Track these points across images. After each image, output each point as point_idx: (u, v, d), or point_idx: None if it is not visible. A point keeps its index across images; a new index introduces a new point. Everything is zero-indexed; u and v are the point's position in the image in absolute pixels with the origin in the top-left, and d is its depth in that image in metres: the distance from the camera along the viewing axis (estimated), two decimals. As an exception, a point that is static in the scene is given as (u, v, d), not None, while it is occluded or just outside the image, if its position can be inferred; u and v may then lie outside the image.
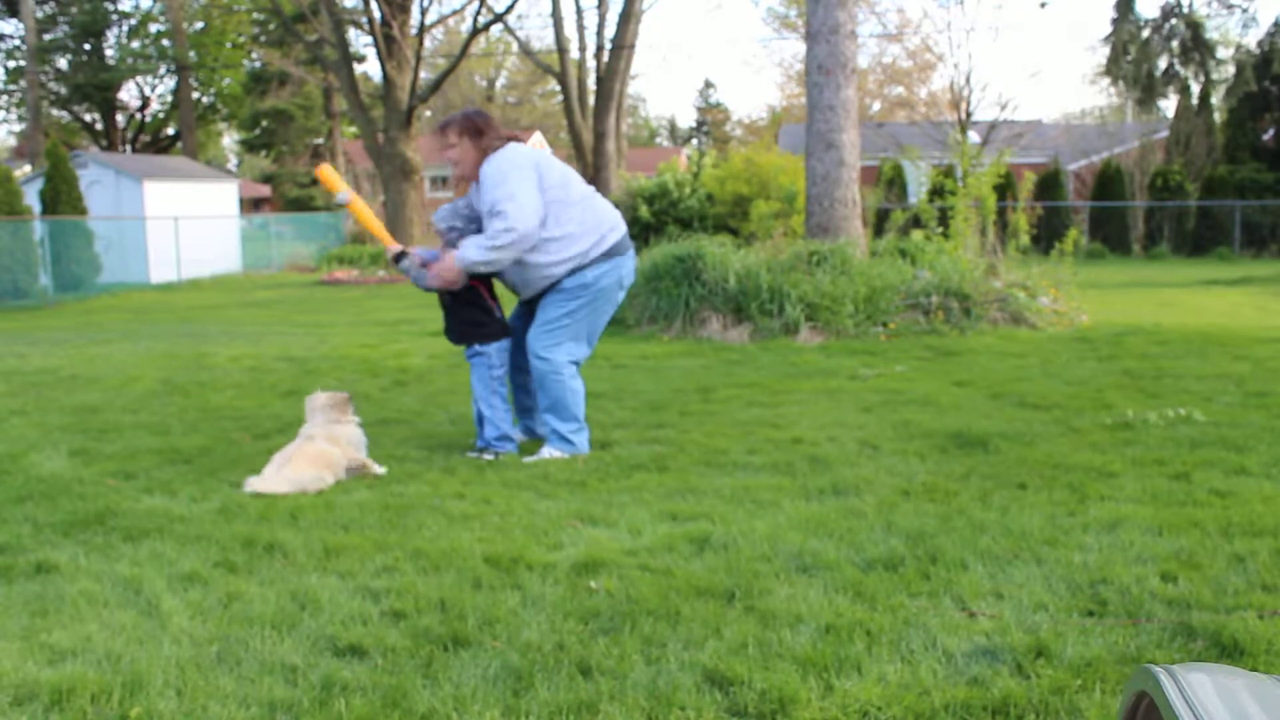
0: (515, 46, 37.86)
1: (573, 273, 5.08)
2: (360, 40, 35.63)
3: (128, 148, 37.82)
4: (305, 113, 36.89)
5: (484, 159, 5.00)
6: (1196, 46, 26.76)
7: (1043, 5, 46.59)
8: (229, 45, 37.93)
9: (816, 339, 9.22)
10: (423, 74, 23.50)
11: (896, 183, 24.78)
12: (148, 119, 39.69)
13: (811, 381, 7.08)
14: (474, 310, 5.16)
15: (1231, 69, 26.45)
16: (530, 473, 4.70)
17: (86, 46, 35.25)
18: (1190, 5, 27.07)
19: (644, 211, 23.03)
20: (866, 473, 4.57)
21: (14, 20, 33.89)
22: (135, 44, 36.31)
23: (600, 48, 33.86)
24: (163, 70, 36.86)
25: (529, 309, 5.34)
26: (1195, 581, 3.19)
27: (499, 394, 5.15)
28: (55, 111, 37.06)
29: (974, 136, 26.46)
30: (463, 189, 5.30)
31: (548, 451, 5.09)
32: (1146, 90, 27.12)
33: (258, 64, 37.39)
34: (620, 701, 2.49)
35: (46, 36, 33.76)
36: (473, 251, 4.92)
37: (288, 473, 4.50)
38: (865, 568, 3.38)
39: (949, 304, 9.86)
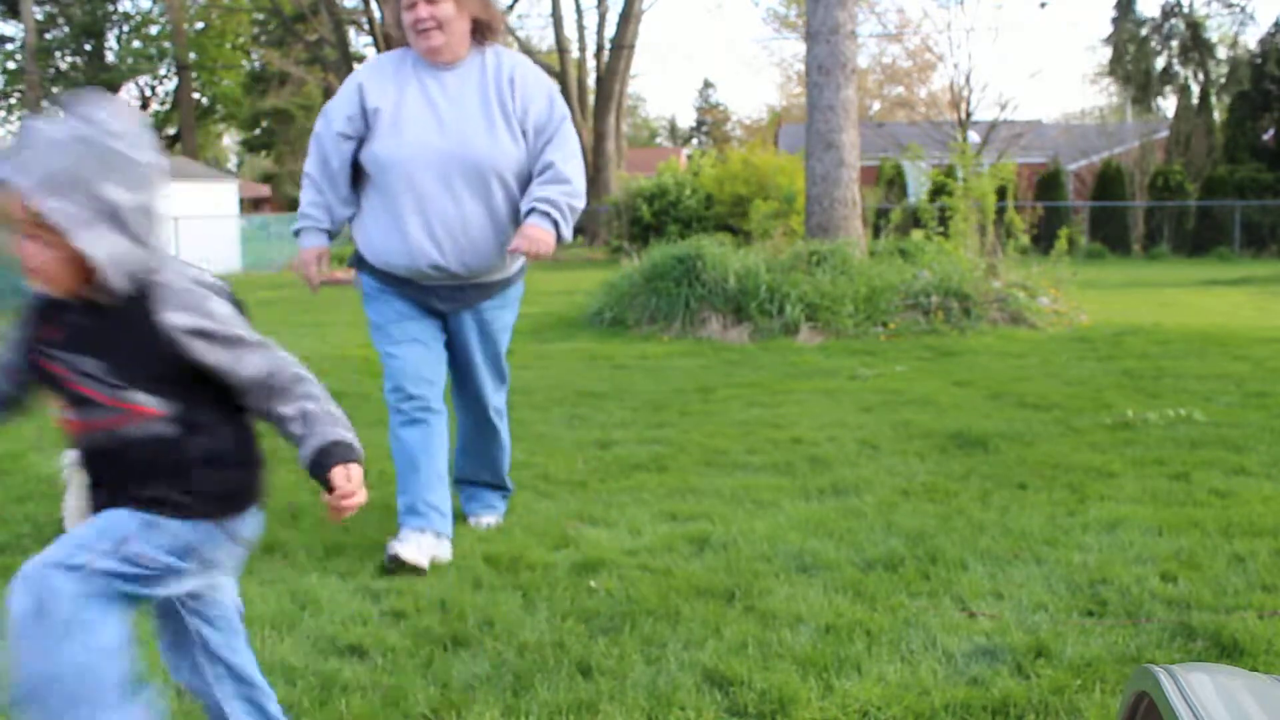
0: (515, 46, 37.90)
1: (521, 275, 3.84)
2: (360, 40, 35.61)
3: (128, 148, 37.75)
4: (305, 113, 36.89)
5: (479, 44, 3.53)
6: (1196, 46, 26.78)
7: (1042, 5, 46.62)
8: (229, 46, 37.93)
9: (816, 339, 9.22)
10: (423, 74, 23.51)
11: (896, 183, 24.80)
12: (148, 119, 39.71)
13: (811, 381, 7.08)
14: None
15: (1229, 69, 26.46)
16: (530, 472, 4.69)
17: (87, 47, 35.24)
18: (1190, 5, 27.07)
19: (644, 211, 23.04)
20: (866, 473, 4.57)
21: (14, 22, 33.88)
22: (135, 44, 36.29)
23: (600, 48, 33.88)
24: (163, 70, 36.86)
25: (424, 341, 3.62)
26: (1195, 581, 3.19)
27: None
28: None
29: (974, 136, 26.47)
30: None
31: (495, 519, 3.97)
32: (1146, 90, 27.13)
33: (258, 64, 37.39)
34: (620, 701, 2.49)
35: (47, 36, 33.76)
36: (565, 217, 3.48)
37: None
38: (865, 568, 3.37)
39: (949, 304, 9.86)
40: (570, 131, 3.55)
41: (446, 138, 3.40)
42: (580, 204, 3.53)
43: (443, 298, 3.58)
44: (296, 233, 3.65)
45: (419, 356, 3.58)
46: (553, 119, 3.51)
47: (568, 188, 3.48)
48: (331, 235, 3.63)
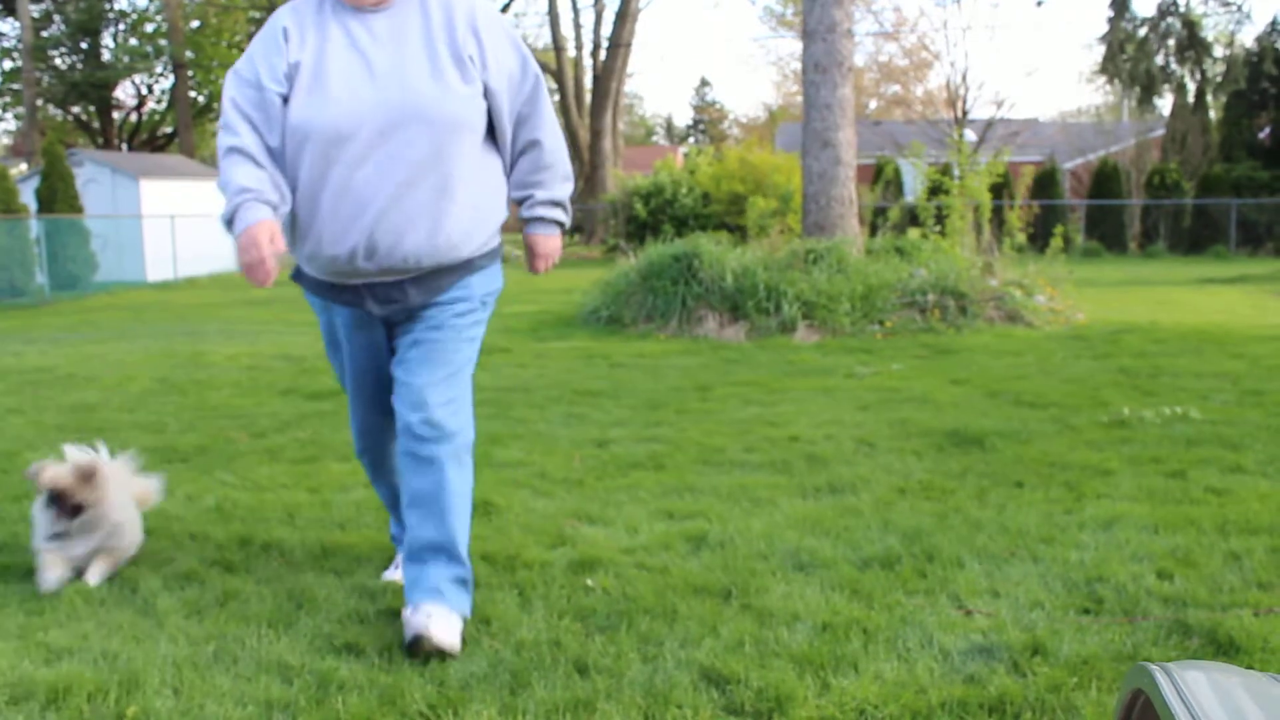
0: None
1: (490, 262, 3.00)
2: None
3: (124, 146, 37.75)
4: (302, 111, 36.77)
5: None
6: (1192, 45, 26.79)
7: (1039, 3, 46.68)
8: (225, 44, 37.85)
9: (813, 337, 9.23)
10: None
11: (893, 181, 24.81)
12: (144, 117, 39.62)
13: (808, 380, 7.08)
14: None
15: (1225, 67, 26.50)
16: (527, 471, 4.69)
17: (83, 45, 35.16)
18: (1186, 3, 27.09)
19: (640, 210, 23.03)
20: (863, 471, 4.57)
21: (10, 19, 33.80)
22: (132, 42, 36.22)
23: (597, 46, 33.89)
24: (159, 69, 36.77)
25: (370, 345, 3.03)
26: (1191, 579, 3.19)
27: None
28: (51, 109, 36.98)
29: (970, 135, 26.50)
30: None
31: (447, 628, 2.75)
32: (1143, 89, 27.15)
33: (254, 62, 37.24)
34: (617, 700, 2.49)
35: (43, 34, 33.68)
36: (568, 210, 3.10)
37: None
38: (862, 566, 3.38)
39: (945, 302, 9.86)
40: (546, 93, 2.99)
41: (381, 89, 2.71)
42: (572, 183, 3.11)
43: (378, 298, 2.87)
44: (229, 220, 2.77)
45: (379, 420, 3.12)
46: (527, 76, 2.91)
47: (558, 171, 3.02)
48: (278, 210, 2.77)
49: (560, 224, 3.08)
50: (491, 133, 2.90)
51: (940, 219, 12.60)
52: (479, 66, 2.80)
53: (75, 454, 3.52)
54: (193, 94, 37.40)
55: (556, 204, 3.04)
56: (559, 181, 3.02)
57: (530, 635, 2.86)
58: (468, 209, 2.82)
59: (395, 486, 3.25)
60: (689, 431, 5.46)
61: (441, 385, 2.86)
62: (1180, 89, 27.10)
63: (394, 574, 3.33)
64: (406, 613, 2.79)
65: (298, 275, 3.05)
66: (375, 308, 2.90)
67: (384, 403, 3.05)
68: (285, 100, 2.75)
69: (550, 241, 3.08)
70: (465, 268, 2.90)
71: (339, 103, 2.70)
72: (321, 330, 3.16)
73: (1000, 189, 16.25)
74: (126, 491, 3.57)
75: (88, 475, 3.34)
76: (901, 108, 35.23)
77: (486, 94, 2.82)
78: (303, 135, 2.73)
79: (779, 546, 3.56)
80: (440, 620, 2.73)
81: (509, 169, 2.99)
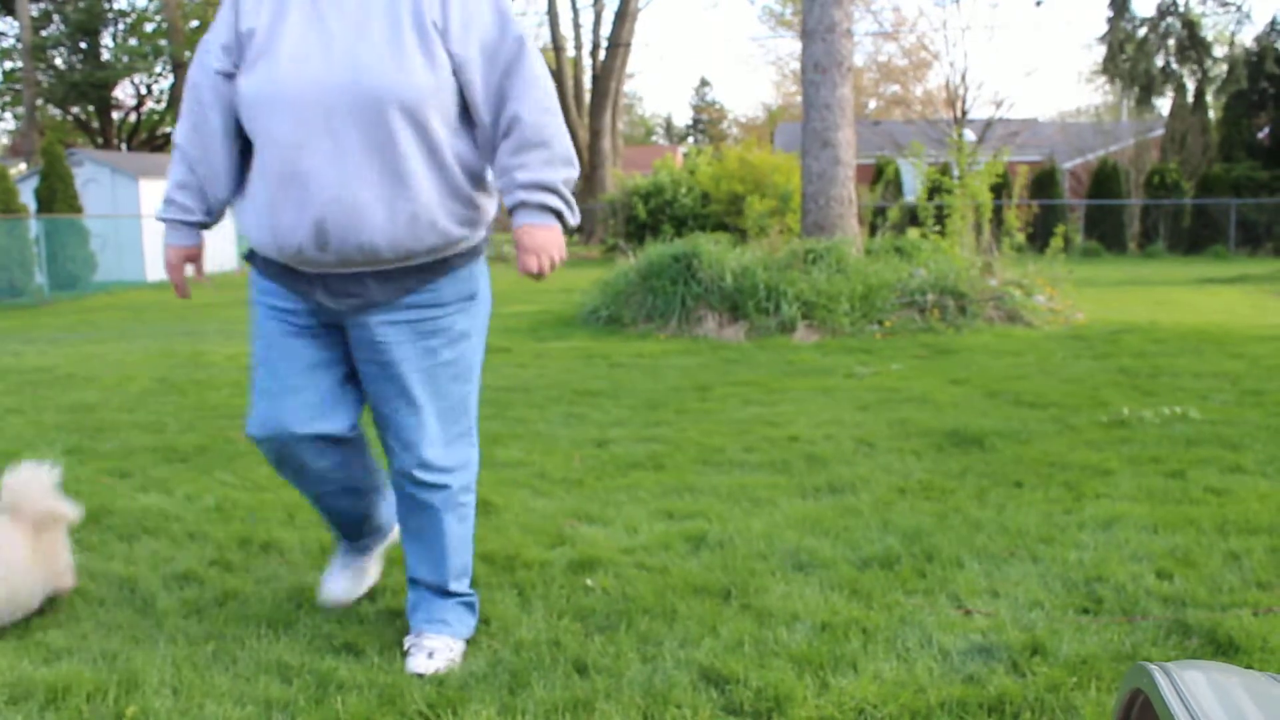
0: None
1: (465, 263, 2.66)
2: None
3: (124, 145, 37.75)
4: (301, 111, 36.74)
5: None
6: (1193, 45, 26.81)
7: (1038, 3, 46.68)
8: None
9: (813, 337, 9.23)
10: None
11: (892, 181, 24.82)
12: (144, 117, 39.63)
13: (808, 380, 7.08)
14: None
15: (1226, 68, 26.53)
16: (527, 471, 4.69)
17: (83, 45, 35.16)
18: (1186, 4, 27.10)
19: (640, 210, 23.04)
20: (863, 471, 4.57)
21: (10, 19, 33.80)
22: (131, 42, 36.21)
23: (596, 45, 33.94)
24: (159, 68, 36.77)
25: (311, 350, 2.68)
26: (1190, 579, 3.19)
27: None
28: (51, 109, 36.98)
29: (970, 135, 26.52)
30: None
31: (448, 648, 2.73)
32: (1143, 89, 27.18)
33: (253, 62, 37.22)
34: (616, 700, 2.49)
35: (43, 34, 33.69)
36: (566, 198, 2.56)
37: None
38: (861, 566, 3.38)
39: (945, 302, 9.87)
40: (533, 60, 2.52)
41: (333, 65, 2.43)
42: (575, 170, 2.57)
43: (332, 290, 2.58)
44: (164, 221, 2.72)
45: (300, 443, 2.69)
46: (505, 39, 2.50)
47: (553, 151, 2.52)
48: (207, 226, 2.76)
49: (555, 212, 2.54)
50: (468, 110, 2.55)
51: (940, 219, 12.61)
52: (442, 33, 2.46)
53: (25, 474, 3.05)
54: (192, 94, 37.37)
55: (543, 187, 2.51)
56: (554, 164, 2.52)
57: (529, 635, 2.86)
58: (433, 197, 2.50)
59: (330, 508, 2.94)
60: (688, 431, 5.46)
61: (433, 422, 2.65)
62: (1180, 89, 27.13)
63: (333, 586, 3.06)
64: (410, 639, 2.77)
65: (251, 256, 2.74)
66: (328, 300, 2.58)
67: (320, 425, 2.68)
68: (232, 77, 2.55)
69: (538, 233, 2.52)
70: (435, 269, 2.58)
71: (284, 79, 2.45)
72: (256, 321, 2.74)
73: (1000, 189, 16.27)
74: (22, 546, 2.96)
75: None
76: (901, 108, 35.26)
77: (454, 65, 2.48)
78: (247, 111, 2.52)
79: (778, 546, 3.56)
80: (443, 655, 2.70)
81: (492, 153, 2.58)
